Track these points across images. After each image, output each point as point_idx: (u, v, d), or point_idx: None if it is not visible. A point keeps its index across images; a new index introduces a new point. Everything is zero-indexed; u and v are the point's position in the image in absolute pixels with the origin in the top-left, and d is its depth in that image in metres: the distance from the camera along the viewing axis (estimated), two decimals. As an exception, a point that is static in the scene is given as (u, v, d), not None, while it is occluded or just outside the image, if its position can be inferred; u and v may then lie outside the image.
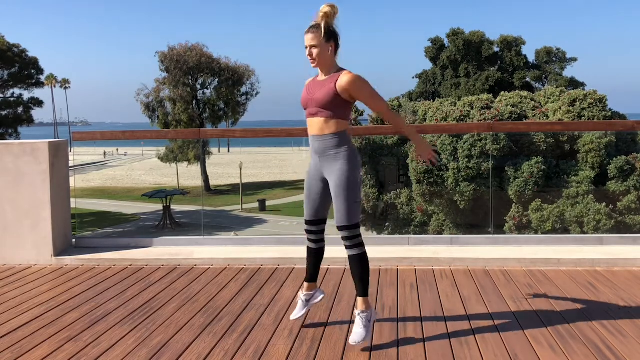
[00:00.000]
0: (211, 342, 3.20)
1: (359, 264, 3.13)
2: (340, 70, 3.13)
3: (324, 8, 3.09)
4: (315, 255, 3.39)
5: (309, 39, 3.09)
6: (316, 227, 3.33)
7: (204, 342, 3.21)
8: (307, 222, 3.34)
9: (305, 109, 3.22)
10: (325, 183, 3.23)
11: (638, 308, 3.60)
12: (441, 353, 2.99)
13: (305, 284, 3.44)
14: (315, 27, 3.09)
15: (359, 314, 3.13)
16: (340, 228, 3.11)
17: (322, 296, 3.49)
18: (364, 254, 3.15)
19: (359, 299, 3.16)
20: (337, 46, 3.14)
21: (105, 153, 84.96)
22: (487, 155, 19.39)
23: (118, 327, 3.45)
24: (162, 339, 3.25)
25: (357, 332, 3.08)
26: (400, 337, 3.22)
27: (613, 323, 3.35)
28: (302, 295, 3.44)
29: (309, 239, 3.37)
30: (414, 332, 3.27)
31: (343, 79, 3.06)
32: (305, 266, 3.49)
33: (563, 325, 3.32)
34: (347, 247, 3.14)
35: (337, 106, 3.10)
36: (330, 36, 3.10)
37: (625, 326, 3.30)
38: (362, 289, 3.15)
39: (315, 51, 3.08)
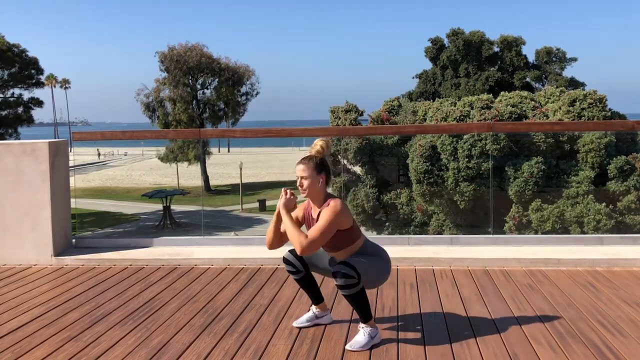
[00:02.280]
0: (211, 342, 3.20)
1: (354, 301, 3.05)
2: (329, 199, 3.10)
3: (319, 143, 3.15)
4: (304, 282, 3.36)
5: (300, 170, 3.12)
6: (296, 262, 3.30)
7: (204, 342, 3.21)
8: (291, 252, 3.31)
9: None
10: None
11: (638, 308, 3.60)
12: (441, 353, 2.99)
13: (314, 306, 3.42)
14: (307, 159, 3.13)
15: (362, 328, 3.10)
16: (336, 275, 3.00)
17: (330, 319, 3.45)
18: (359, 291, 3.03)
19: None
20: (328, 179, 3.15)
21: (99, 154, 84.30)
22: (487, 155, 19.39)
23: (118, 327, 3.45)
24: (162, 339, 3.25)
25: (358, 341, 3.07)
26: (400, 337, 3.22)
27: (613, 323, 3.35)
28: (314, 309, 3.41)
29: (287, 270, 3.34)
30: (414, 332, 3.27)
31: (323, 212, 3.06)
32: None
33: (563, 325, 3.33)
34: (340, 287, 3.02)
35: (339, 238, 3.08)
36: (322, 169, 3.12)
37: (625, 326, 3.30)
38: (363, 316, 3.10)
39: (305, 182, 3.10)
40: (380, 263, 3.15)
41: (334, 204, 3.05)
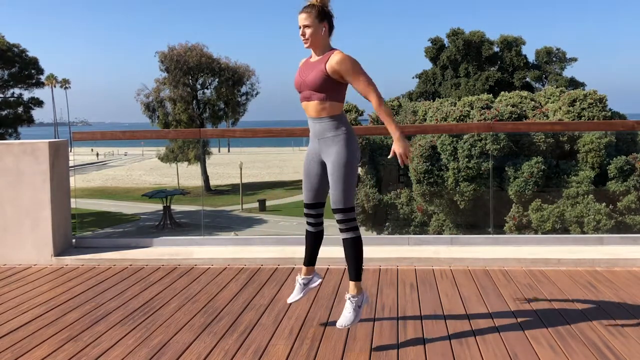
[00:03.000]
0: (211, 342, 3.20)
1: (353, 248, 3.13)
2: (332, 50, 3.10)
3: None
4: (314, 239, 3.39)
5: (302, 19, 3.07)
6: (315, 211, 3.33)
7: (204, 342, 3.21)
8: (306, 206, 3.34)
9: (299, 92, 3.19)
10: (323, 166, 3.22)
11: (638, 308, 3.60)
12: (441, 353, 2.99)
13: (304, 267, 3.45)
14: (309, 7, 3.07)
15: (349, 298, 3.14)
16: (335, 211, 3.11)
17: (319, 280, 3.50)
18: (358, 237, 3.15)
19: (351, 283, 3.17)
20: (331, 27, 3.12)
21: (97, 154, 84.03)
22: (487, 155, 19.39)
23: (118, 327, 3.45)
24: (162, 339, 3.25)
25: (346, 316, 3.10)
26: (400, 337, 3.22)
27: (613, 323, 3.35)
28: (299, 279, 3.45)
29: (308, 222, 3.37)
30: (414, 332, 3.27)
31: (333, 59, 3.02)
32: None
33: (563, 325, 3.33)
34: (341, 230, 3.14)
35: (330, 88, 3.06)
36: (324, 16, 3.07)
37: (625, 326, 3.30)
38: (355, 273, 3.15)
39: (308, 31, 3.06)
40: (349, 163, 3.09)
41: (343, 55, 3.00)
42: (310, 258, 3.43)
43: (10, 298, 4.04)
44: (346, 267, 3.25)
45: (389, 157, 3.30)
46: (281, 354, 3.02)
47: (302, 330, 3.33)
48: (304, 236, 3.42)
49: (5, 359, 3.04)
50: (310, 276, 3.47)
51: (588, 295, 3.85)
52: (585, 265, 4.54)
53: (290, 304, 3.67)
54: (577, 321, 3.39)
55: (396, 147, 3.10)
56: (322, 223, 3.38)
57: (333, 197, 3.12)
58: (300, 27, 3.09)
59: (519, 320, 3.42)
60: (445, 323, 3.40)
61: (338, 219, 3.12)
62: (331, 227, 3.43)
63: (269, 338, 3.24)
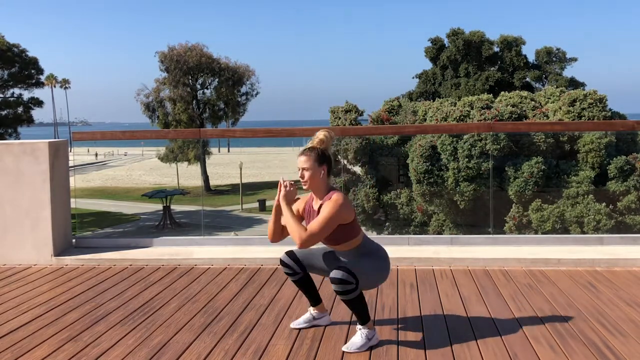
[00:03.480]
0: (211, 342, 3.20)
1: (352, 304, 3.03)
2: (331, 192, 3.07)
3: (321, 134, 3.10)
4: (302, 284, 3.32)
5: (301, 162, 3.07)
6: (293, 265, 3.26)
7: (204, 342, 3.21)
8: (290, 255, 3.26)
9: None
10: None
11: (638, 308, 3.60)
12: (441, 353, 2.99)
13: (314, 307, 3.40)
14: (309, 150, 3.09)
15: (360, 329, 3.09)
16: (333, 280, 2.95)
17: (328, 321, 3.43)
18: (357, 296, 3.00)
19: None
20: (329, 170, 3.12)
21: (96, 154, 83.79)
22: (487, 155, 19.38)
23: (118, 327, 3.45)
24: (162, 339, 3.25)
25: (355, 342, 3.06)
26: (400, 337, 3.22)
27: (613, 323, 3.35)
28: (312, 310, 3.40)
29: (285, 272, 3.29)
30: (414, 332, 3.27)
31: (325, 205, 3.03)
32: None
33: (563, 325, 3.33)
34: (337, 293, 3.00)
35: (339, 232, 3.04)
36: (324, 160, 3.08)
37: (625, 326, 3.30)
38: (361, 318, 3.09)
39: (307, 174, 3.06)
40: (379, 264, 3.12)
41: (336, 197, 3.01)
42: (313, 299, 3.37)
43: (10, 298, 4.04)
44: None
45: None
46: (281, 354, 3.02)
47: (302, 330, 3.33)
48: (286, 251, 3.31)
49: (5, 359, 3.04)
50: (323, 314, 3.41)
51: (588, 295, 3.85)
52: (585, 265, 4.53)
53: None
54: (577, 321, 3.39)
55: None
56: (301, 272, 3.27)
57: (339, 271, 2.95)
58: (299, 170, 3.09)
59: (519, 320, 3.42)
60: (445, 323, 3.40)
61: (335, 290, 2.96)
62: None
63: (269, 338, 3.24)
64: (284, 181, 3.14)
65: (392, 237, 5.93)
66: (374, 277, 3.12)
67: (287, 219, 3.05)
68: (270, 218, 3.21)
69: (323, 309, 3.42)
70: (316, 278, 3.72)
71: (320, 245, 3.21)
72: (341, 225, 3.03)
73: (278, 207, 3.15)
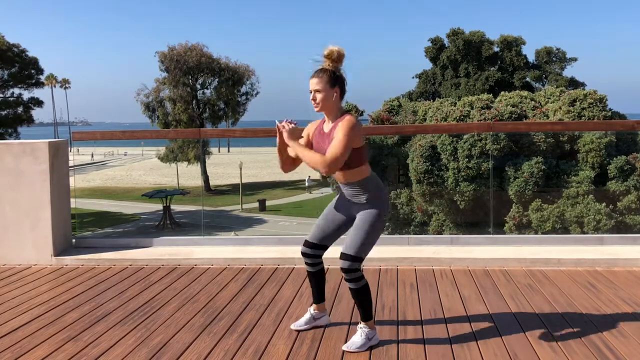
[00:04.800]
0: (211, 342, 3.20)
1: (358, 296, 3.05)
2: (344, 115, 3.03)
3: (332, 52, 3.01)
4: (316, 277, 3.33)
5: (313, 83, 3.02)
6: (314, 252, 3.26)
7: (204, 342, 3.21)
8: (308, 244, 3.26)
9: None
10: (349, 218, 3.17)
11: (638, 308, 3.60)
12: (441, 353, 2.99)
13: (315, 305, 3.40)
14: (320, 72, 3.02)
15: (361, 327, 3.10)
16: (344, 255, 3.01)
17: (327, 320, 3.43)
18: (363, 286, 3.05)
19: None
20: (342, 92, 3.06)
21: (92, 154, 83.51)
22: (487, 155, 19.39)
23: (118, 327, 3.45)
24: (162, 339, 3.25)
25: (355, 342, 3.06)
26: (400, 337, 3.22)
27: (613, 323, 3.35)
28: (312, 310, 3.40)
29: (306, 262, 3.31)
30: (414, 332, 3.27)
31: (338, 127, 2.99)
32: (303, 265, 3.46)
33: (563, 325, 3.33)
34: (346, 280, 3.06)
35: (352, 156, 2.99)
36: (336, 81, 3.02)
37: (625, 326, 3.30)
38: (364, 314, 3.10)
39: (319, 96, 3.01)
40: (380, 226, 3.08)
41: (350, 118, 2.97)
42: (318, 296, 3.37)
43: (10, 298, 4.04)
44: None
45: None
46: (281, 354, 3.02)
47: (302, 331, 3.33)
48: (303, 243, 3.31)
49: (5, 359, 3.04)
50: (323, 314, 3.41)
51: (588, 295, 3.85)
52: (585, 265, 4.53)
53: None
54: (577, 321, 3.39)
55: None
56: (321, 262, 3.31)
57: (349, 242, 3.02)
58: (311, 92, 3.04)
59: (519, 320, 3.42)
60: (445, 323, 3.40)
61: (343, 267, 3.01)
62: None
63: (269, 338, 3.24)
64: (280, 123, 3.09)
65: (392, 237, 5.93)
66: (376, 235, 3.10)
67: (302, 153, 3.01)
68: (279, 160, 3.21)
69: (323, 309, 3.42)
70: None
71: (331, 217, 3.21)
72: (354, 148, 2.99)
73: (281, 149, 3.12)
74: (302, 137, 3.19)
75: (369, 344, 3.07)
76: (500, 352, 2.98)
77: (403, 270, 4.53)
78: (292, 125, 3.07)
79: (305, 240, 3.29)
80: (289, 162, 3.22)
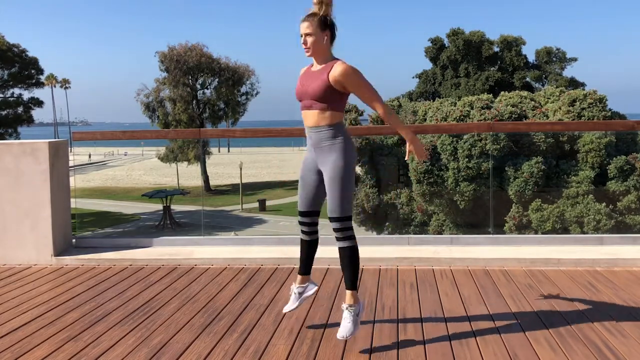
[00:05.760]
0: (211, 342, 3.20)
1: (349, 256, 3.13)
2: (335, 60, 3.09)
3: None
4: (309, 247, 3.38)
5: (304, 27, 3.06)
6: (309, 219, 3.32)
7: (204, 342, 3.21)
8: (301, 214, 3.33)
9: (299, 101, 3.19)
10: (319, 175, 3.22)
11: (638, 308, 3.60)
12: (441, 353, 2.99)
13: (299, 277, 3.43)
14: (311, 16, 3.06)
15: (347, 308, 3.12)
16: (332, 219, 3.11)
17: (315, 288, 3.47)
18: (355, 246, 3.15)
19: (348, 293, 3.15)
20: (333, 36, 3.11)
21: (90, 155, 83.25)
22: (487, 155, 19.39)
23: (118, 327, 3.45)
24: (162, 339, 3.25)
25: (346, 327, 3.08)
26: (400, 337, 3.22)
27: (613, 323, 3.35)
28: (294, 288, 3.43)
29: (302, 231, 3.36)
30: (414, 332, 3.27)
31: (336, 70, 3.02)
32: None
33: (563, 325, 3.33)
34: (337, 239, 3.14)
35: (331, 98, 3.07)
36: (326, 26, 3.07)
37: (625, 326, 3.30)
38: (352, 281, 3.14)
39: (310, 40, 3.05)
40: (348, 173, 3.11)
41: (344, 65, 3.01)
42: (306, 267, 3.42)
43: (10, 298, 4.04)
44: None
45: (405, 158, 3.36)
46: (281, 354, 3.02)
47: (302, 330, 3.33)
48: (298, 213, 3.37)
49: (5, 359, 3.04)
50: (305, 284, 3.44)
51: (588, 295, 3.85)
52: (585, 265, 4.53)
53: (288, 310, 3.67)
54: (577, 321, 3.39)
55: (411, 148, 3.20)
56: (317, 231, 3.37)
57: (330, 206, 3.11)
58: (301, 36, 3.07)
59: (519, 320, 3.42)
60: (445, 323, 3.40)
61: (334, 228, 3.11)
62: (329, 226, 3.41)
63: (269, 338, 3.24)
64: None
65: (392, 237, 5.93)
66: (352, 178, 3.15)
67: (389, 118, 3.11)
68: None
69: (306, 280, 3.44)
70: (320, 275, 3.70)
71: (307, 180, 3.25)
72: (338, 92, 3.05)
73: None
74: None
75: (358, 320, 3.12)
76: (500, 352, 2.98)
77: (403, 270, 4.53)
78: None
79: (299, 211, 3.35)
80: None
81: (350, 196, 3.13)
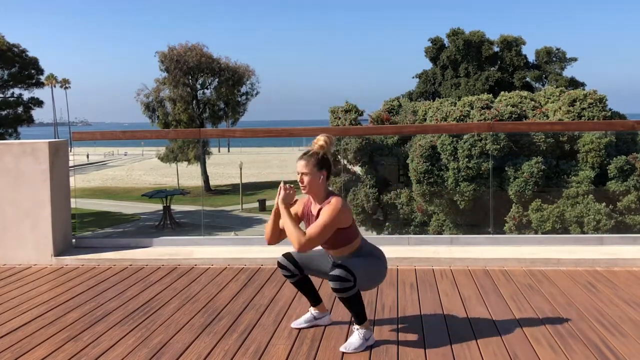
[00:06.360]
0: (211, 342, 3.20)
1: (349, 302, 3.03)
2: (330, 197, 3.07)
3: (321, 139, 3.09)
4: (301, 285, 3.34)
5: (301, 166, 3.08)
6: (290, 265, 3.27)
7: (204, 342, 3.21)
8: (287, 257, 3.28)
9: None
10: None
11: (638, 308, 3.60)
12: (441, 353, 2.99)
13: (313, 307, 3.41)
14: (308, 155, 3.09)
15: (357, 329, 3.09)
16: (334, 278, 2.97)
17: (329, 320, 3.43)
18: (355, 294, 3.00)
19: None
20: (329, 175, 3.12)
21: (88, 155, 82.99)
22: (487, 155, 19.38)
23: (118, 327, 3.45)
24: (162, 339, 3.25)
25: (352, 343, 3.06)
26: (400, 337, 3.22)
27: (613, 323, 3.35)
28: (313, 310, 3.40)
29: (283, 275, 3.32)
30: (414, 332, 3.27)
31: (324, 209, 3.03)
32: None
33: (563, 325, 3.33)
34: (335, 291, 3.01)
35: (337, 237, 3.05)
36: (323, 164, 3.09)
37: (625, 326, 3.30)
38: (357, 318, 3.09)
39: (306, 178, 3.07)
40: (377, 265, 3.13)
41: (335, 202, 3.02)
42: (312, 298, 3.39)
43: (10, 298, 4.04)
44: None
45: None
46: (281, 354, 3.02)
47: (302, 330, 3.33)
48: (283, 254, 3.32)
49: (5, 359, 3.04)
50: (324, 314, 3.42)
51: (588, 295, 3.85)
52: (585, 265, 4.53)
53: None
54: (577, 321, 3.39)
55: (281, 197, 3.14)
56: (299, 270, 3.28)
57: (338, 269, 2.96)
58: (298, 174, 3.09)
59: (519, 320, 3.42)
60: (445, 323, 3.40)
61: (333, 287, 2.97)
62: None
63: (269, 338, 3.24)
64: (284, 184, 3.14)
65: (392, 237, 5.93)
66: (372, 276, 3.13)
67: (285, 222, 3.04)
68: (268, 221, 3.21)
69: (323, 309, 3.42)
70: (316, 280, 3.69)
71: (318, 248, 3.21)
72: (340, 229, 3.04)
73: (277, 210, 3.14)
74: (293, 206, 3.20)
75: (366, 344, 3.07)
76: (500, 352, 2.98)
77: (403, 270, 4.53)
78: (290, 190, 3.12)
79: (287, 253, 3.30)
80: (276, 234, 3.21)
81: (363, 277, 3.03)
